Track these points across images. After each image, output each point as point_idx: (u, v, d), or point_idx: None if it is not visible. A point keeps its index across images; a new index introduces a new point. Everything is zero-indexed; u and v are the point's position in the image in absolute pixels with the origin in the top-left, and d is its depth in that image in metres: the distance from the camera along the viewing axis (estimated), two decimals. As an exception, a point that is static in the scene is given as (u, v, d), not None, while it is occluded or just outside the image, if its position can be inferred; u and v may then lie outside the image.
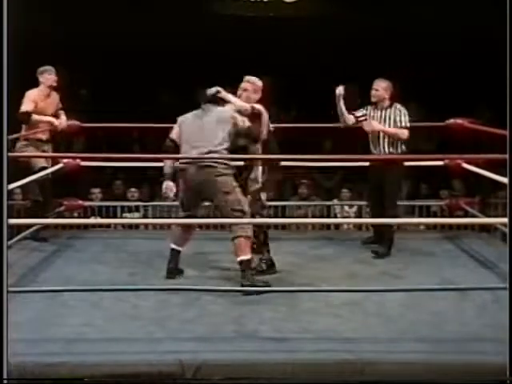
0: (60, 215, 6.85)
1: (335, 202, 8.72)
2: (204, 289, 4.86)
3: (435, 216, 8.09)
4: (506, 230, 6.15)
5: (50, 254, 6.07)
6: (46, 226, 6.54)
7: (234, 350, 3.94)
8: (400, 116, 6.11)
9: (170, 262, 5.28)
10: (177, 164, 5.23)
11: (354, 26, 11.16)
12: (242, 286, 4.96)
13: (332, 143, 10.57)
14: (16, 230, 5.85)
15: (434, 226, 7.42)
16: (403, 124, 6.09)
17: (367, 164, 6.36)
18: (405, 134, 6.09)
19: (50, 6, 9.98)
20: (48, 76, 6.51)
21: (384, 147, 6.12)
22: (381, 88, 6.18)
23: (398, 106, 6.17)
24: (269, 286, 4.98)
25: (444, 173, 7.25)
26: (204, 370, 3.74)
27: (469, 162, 6.26)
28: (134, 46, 11.28)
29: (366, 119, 6.15)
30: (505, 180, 5.24)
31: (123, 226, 8.05)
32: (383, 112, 6.16)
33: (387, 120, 6.13)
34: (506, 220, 4.00)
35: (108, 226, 7.91)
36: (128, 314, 4.48)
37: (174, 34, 11.15)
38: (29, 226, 6.12)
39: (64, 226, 7.06)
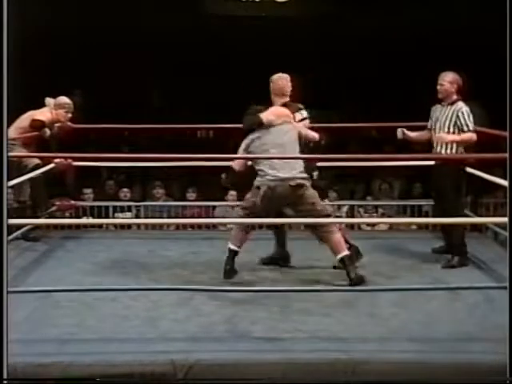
0: (52, 215, 6.83)
1: (326, 202, 8.71)
2: (196, 289, 4.85)
3: (427, 216, 8.09)
4: (498, 230, 6.21)
5: (41, 254, 6.05)
6: (38, 226, 6.52)
7: (227, 349, 3.94)
8: (464, 119, 5.64)
9: (228, 263, 5.22)
10: (263, 180, 5.20)
11: (346, 25, 11.17)
12: (351, 280, 5.04)
13: (326, 143, 10.57)
14: (7, 230, 5.82)
15: (426, 226, 7.43)
16: (470, 128, 5.64)
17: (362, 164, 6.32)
18: (472, 138, 5.67)
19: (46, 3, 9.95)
20: (64, 113, 6.58)
21: (442, 147, 5.75)
22: (446, 82, 5.75)
23: (460, 104, 5.71)
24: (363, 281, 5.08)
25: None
26: (196, 369, 3.74)
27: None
28: (125, 44, 11.27)
29: None
30: (498, 180, 5.28)
31: (115, 225, 8.04)
32: (445, 109, 5.76)
33: (447, 120, 5.70)
34: (497, 219, 3.98)
35: (100, 226, 7.91)
36: (120, 314, 4.47)
37: (167, 33, 11.15)
38: (19, 226, 6.09)
39: (56, 226, 7.04)
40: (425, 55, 10.81)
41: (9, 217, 6.00)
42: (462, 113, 5.67)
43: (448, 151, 5.74)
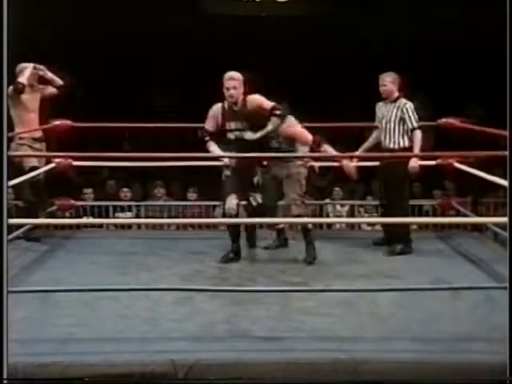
0: (52, 215, 6.83)
1: (327, 201, 8.74)
2: (197, 288, 4.85)
3: (427, 215, 8.10)
4: (498, 230, 6.21)
5: (42, 254, 6.05)
6: (38, 226, 6.52)
7: (227, 349, 3.94)
8: (408, 116, 6.04)
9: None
10: None
11: (345, 25, 11.17)
12: None
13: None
14: (8, 229, 5.82)
15: (427, 226, 7.42)
16: (415, 125, 6.03)
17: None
18: (418, 137, 6.03)
19: (44, 4, 9.95)
20: (25, 74, 6.53)
21: (395, 141, 6.12)
22: (388, 82, 6.14)
23: (404, 101, 6.11)
24: None
25: (436, 172, 7.26)
26: (196, 369, 3.74)
27: (461, 161, 6.27)
28: (123, 44, 11.27)
29: None
30: (497, 180, 5.28)
31: (115, 225, 8.04)
32: (388, 106, 6.14)
33: (392, 116, 6.08)
34: (497, 219, 3.98)
35: (100, 225, 7.90)
36: (120, 313, 4.47)
37: (165, 33, 11.15)
38: (20, 226, 6.09)
39: (56, 226, 7.04)
40: (424, 55, 10.84)
41: (10, 216, 6.03)
42: (407, 109, 6.07)
43: (396, 146, 6.08)
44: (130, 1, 11.05)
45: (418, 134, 6.04)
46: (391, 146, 6.10)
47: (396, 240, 6.09)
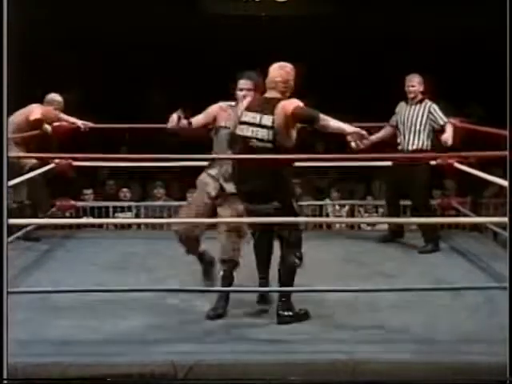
0: (53, 215, 6.82)
1: (328, 201, 8.73)
2: (196, 290, 4.84)
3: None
4: (498, 230, 6.21)
5: (42, 254, 6.05)
6: (39, 226, 6.51)
7: (226, 350, 3.94)
8: (437, 114, 6.15)
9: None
10: None
11: (346, 25, 11.17)
12: None
13: (324, 144, 10.59)
14: (8, 230, 5.82)
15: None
16: (445, 120, 6.15)
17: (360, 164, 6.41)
18: (451, 128, 6.15)
19: (44, 4, 9.94)
20: (52, 110, 6.62)
21: (420, 143, 6.20)
22: (417, 83, 6.24)
23: (429, 102, 6.21)
24: None
25: (436, 172, 7.25)
26: (196, 370, 3.74)
27: (461, 161, 6.28)
28: (123, 44, 11.28)
29: None
30: (498, 180, 5.27)
31: (115, 225, 8.04)
32: (413, 107, 6.22)
33: (418, 117, 6.16)
34: (497, 219, 3.98)
35: (100, 225, 7.90)
36: (120, 314, 4.46)
37: (165, 33, 11.15)
38: (20, 228, 6.08)
39: (56, 226, 7.04)
40: (424, 55, 10.83)
41: (9, 217, 6.00)
42: (434, 109, 6.18)
43: (420, 147, 6.16)
44: (130, 1, 11.05)
45: (450, 126, 6.13)
46: (414, 146, 6.17)
47: (426, 239, 6.22)
